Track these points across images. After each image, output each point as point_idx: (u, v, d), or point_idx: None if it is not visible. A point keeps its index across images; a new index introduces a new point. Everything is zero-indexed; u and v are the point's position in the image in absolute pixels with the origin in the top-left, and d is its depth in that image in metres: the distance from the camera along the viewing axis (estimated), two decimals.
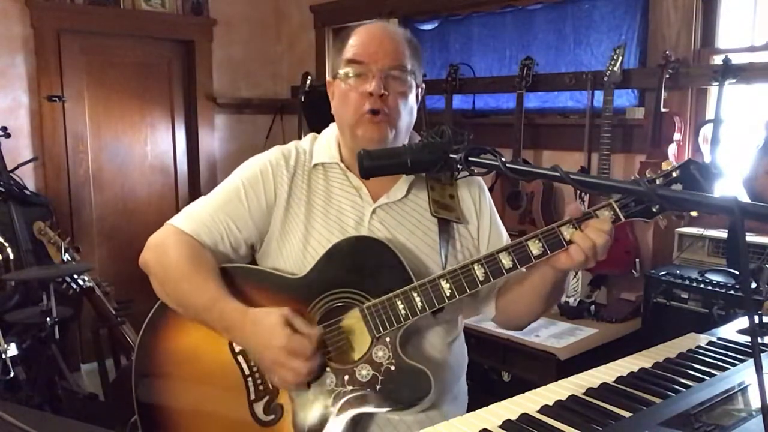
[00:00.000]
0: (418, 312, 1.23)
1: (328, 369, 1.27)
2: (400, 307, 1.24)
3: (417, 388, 1.23)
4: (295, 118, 4.17)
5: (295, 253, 1.36)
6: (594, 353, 2.48)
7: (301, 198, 1.39)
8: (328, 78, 1.42)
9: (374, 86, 1.30)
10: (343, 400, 1.25)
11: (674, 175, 1.17)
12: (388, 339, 1.25)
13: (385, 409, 1.26)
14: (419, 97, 1.42)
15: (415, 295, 1.23)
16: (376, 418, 1.33)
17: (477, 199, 1.44)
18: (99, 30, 3.94)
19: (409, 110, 1.37)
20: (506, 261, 1.21)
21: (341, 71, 1.35)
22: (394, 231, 1.36)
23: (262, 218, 1.38)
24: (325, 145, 1.44)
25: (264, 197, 1.38)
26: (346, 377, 1.26)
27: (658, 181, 1.18)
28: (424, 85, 1.44)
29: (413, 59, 1.36)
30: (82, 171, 4.01)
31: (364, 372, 1.25)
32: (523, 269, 1.38)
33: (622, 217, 1.19)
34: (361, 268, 1.29)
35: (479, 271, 1.21)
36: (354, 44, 1.34)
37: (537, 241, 1.19)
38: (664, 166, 1.19)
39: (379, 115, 1.31)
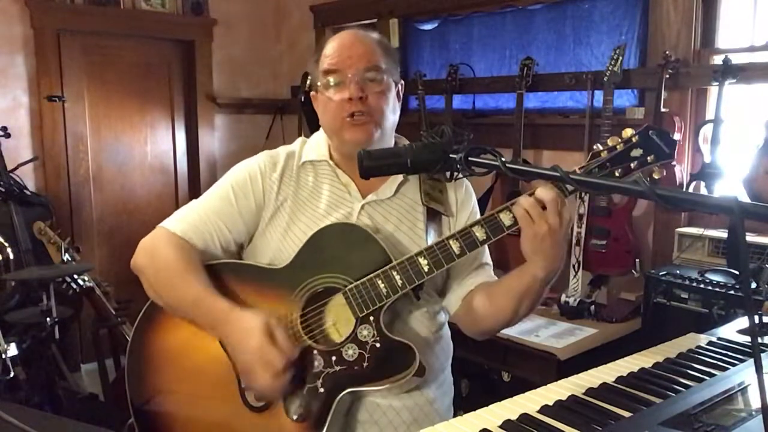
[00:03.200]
0: (399, 289, 1.28)
1: (315, 352, 1.31)
2: (381, 286, 1.28)
3: (403, 361, 1.27)
4: (295, 118, 4.17)
5: (280, 246, 1.40)
6: (594, 353, 2.48)
7: (288, 195, 1.43)
8: (312, 92, 1.46)
9: (352, 91, 1.34)
10: (332, 381, 1.30)
11: (634, 140, 1.21)
12: (371, 318, 1.29)
13: (373, 387, 1.30)
14: (400, 95, 1.46)
15: (394, 273, 1.28)
16: (366, 404, 1.36)
17: (461, 195, 1.47)
18: (99, 30, 3.94)
19: (391, 108, 1.41)
20: (480, 233, 1.25)
21: (320, 83, 1.40)
22: (380, 226, 1.40)
23: (251, 218, 1.43)
24: (314, 145, 1.48)
25: (253, 199, 1.42)
26: (333, 358, 1.30)
27: (618, 147, 1.22)
28: (403, 83, 1.48)
29: (387, 58, 1.40)
30: (82, 171, 4.01)
31: (351, 351, 1.30)
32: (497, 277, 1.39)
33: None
34: (342, 252, 1.33)
35: (455, 246, 1.26)
36: (328, 54, 1.39)
37: (508, 212, 1.24)
38: (624, 134, 1.23)
39: (361, 116, 1.35)
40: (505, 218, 1.24)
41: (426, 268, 1.26)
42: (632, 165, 1.21)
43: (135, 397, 1.43)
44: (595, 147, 1.24)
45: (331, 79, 1.37)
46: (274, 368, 1.24)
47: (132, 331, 1.45)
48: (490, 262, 1.48)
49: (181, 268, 1.35)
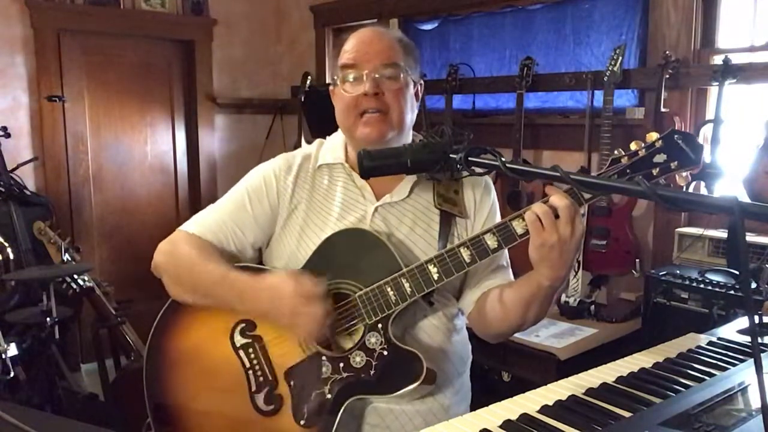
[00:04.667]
0: (407, 297, 1.27)
1: (323, 358, 1.31)
2: (390, 293, 1.28)
3: (410, 370, 1.26)
4: (295, 118, 4.17)
5: (294, 249, 1.40)
6: (594, 353, 2.47)
7: (302, 198, 1.43)
8: (330, 86, 1.46)
9: (368, 87, 1.34)
10: (338, 387, 1.30)
11: (657, 145, 1.16)
12: (380, 325, 1.29)
13: (381, 395, 1.29)
14: (419, 94, 1.45)
15: (404, 281, 1.27)
16: (378, 409, 1.35)
17: (479, 197, 1.44)
18: (99, 30, 3.94)
19: (409, 107, 1.40)
20: (491, 242, 1.23)
21: (338, 77, 1.40)
22: (394, 228, 1.39)
23: (267, 223, 1.44)
24: (331, 147, 1.48)
25: (268, 204, 1.43)
26: (341, 364, 1.30)
27: (640, 153, 1.17)
28: (422, 83, 1.47)
29: (406, 57, 1.39)
30: (82, 171, 4.01)
31: (358, 359, 1.29)
32: (513, 278, 1.38)
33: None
34: (353, 259, 1.33)
35: (465, 254, 1.24)
36: (347, 50, 1.39)
37: (521, 220, 1.20)
38: (648, 138, 1.17)
39: (375, 114, 1.35)
40: (518, 226, 1.20)
41: (436, 276, 1.25)
42: (654, 172, 1.16)
43: (152, 398, 1.45)
44: (616, 152, 1.19)
45: (349, 74, 1.37)
46: (316, 296, 1.25)
47: (150, 334, 1.47)
48: (507, 263, 1.46)
49: (201, 256, 1.37)
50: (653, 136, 1.18)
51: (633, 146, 1.19)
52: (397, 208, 1.41)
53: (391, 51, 1.37)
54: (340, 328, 1.33)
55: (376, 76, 1.34)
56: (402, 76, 1.37)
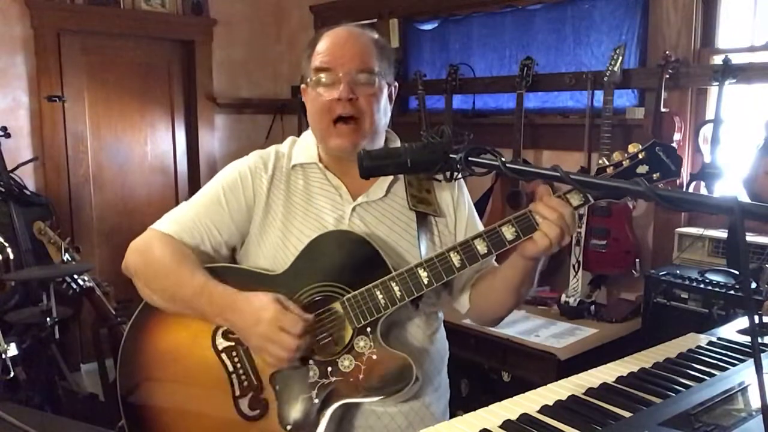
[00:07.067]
0: (397, 301, 1.26)
1: (311, 362, 1.29)
2: (380, 297, 1.27)
3: (399, 375, 1.25)
4: (295, 118, 4.17)
5: (275, 251, 1.38)
6: (594, 353, 2.48)
7: (279, 198, 1.41)
8: (302, 86, 1.43)
9: (342, 92, 1.32)
10: (326, 392, 1.28)
11: (640, 156, 1.19)
12: (369, 329, 1.28)
13: (369, 399, 1.28)
14: (393, 97, 1.43)
15: (393, 284, 1.26)
16: (361, 410, 1.35)
17: (455, 194, 1.45)
18: (99, 30, 3.94)
19: (382, 111, 1.38)
20: (481, 247, 1.23)
21: (311, 79, 1.37)
22: (373, 228, 1.38)
23: (242, 221, 1.41)
24: (304, 146, 1.46)
25: (243, 201, 1.40)
26: (329, 369, 1.29)
27: (624, 164, 1.20)
28: (397, 84, 1.45)
29: (381, 60, 1.37)
30: (82, 171, 4.01)
31: (347, 363, 1.28)
32: (496, 263, 1.41)
33: (590, 198, 1.20)
34: (340, 261, 1.31)
35: (455, 258, 1.24)
36: (320, 51, 1.36)
37: (510, 226, 1.22)
38: (631, 149, 1.21)
39: (349, 123, 1.33)
40: (508, 232, 1.22)
41: (426, 281, 1.25)
42: None
43: (126, 399, 1.40)
44: (600, 162, 1.22)
45: (323, 77, 1.34)
46: (293, 330, 1.22)
47: (124, 335, 1.42)
48: None
49: (178, 261, 1.33)
50: (636, 146, 1.21)
51: (617, 156, 1.22)
52: (375, 207, 1.40)
53: (366, 55, 1.34)
54: (326, 333, 1.31)
55: (350, 80, 1.32)
56: (376, 81, 1.35)
